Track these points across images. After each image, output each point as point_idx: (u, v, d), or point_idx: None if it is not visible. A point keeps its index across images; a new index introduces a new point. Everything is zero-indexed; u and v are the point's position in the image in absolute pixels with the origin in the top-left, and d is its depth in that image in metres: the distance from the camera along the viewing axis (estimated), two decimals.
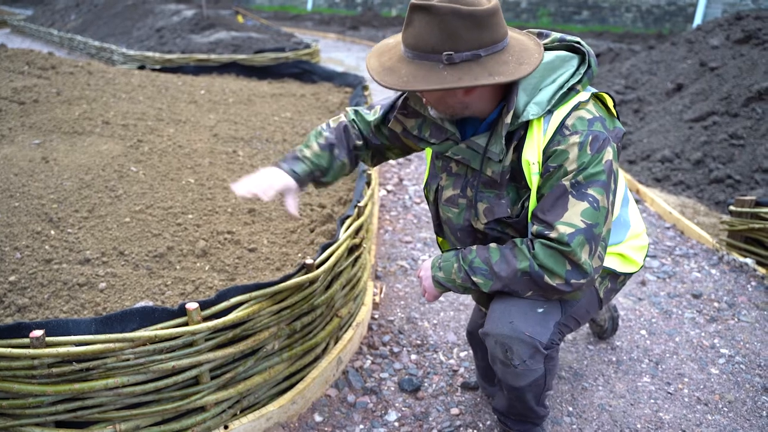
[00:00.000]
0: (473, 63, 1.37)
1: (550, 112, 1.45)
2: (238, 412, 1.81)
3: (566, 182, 1.43)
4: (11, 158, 2.85)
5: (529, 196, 1.51)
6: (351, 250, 2.22)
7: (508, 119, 1.43)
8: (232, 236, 2.44)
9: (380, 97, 5.04)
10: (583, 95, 1.49)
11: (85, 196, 2.55)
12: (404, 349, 2.33)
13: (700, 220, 3.54)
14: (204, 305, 1.65)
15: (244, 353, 1.77)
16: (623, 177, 1.76)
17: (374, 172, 2.93)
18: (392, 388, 2.12)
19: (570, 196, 1.43)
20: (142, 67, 6.27)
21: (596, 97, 1.56)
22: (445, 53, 1.36)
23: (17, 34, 12.45)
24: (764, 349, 2.36)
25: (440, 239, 1.83)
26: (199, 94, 4.76)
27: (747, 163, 3.80)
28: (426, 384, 2.14)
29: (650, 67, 5.78)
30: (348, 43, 11.83)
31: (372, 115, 1.79)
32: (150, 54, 6.96)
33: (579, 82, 1.47)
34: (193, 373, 1.65)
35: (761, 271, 2.89)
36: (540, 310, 1.54)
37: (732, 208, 3.09)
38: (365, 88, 5.02)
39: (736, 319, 2.57)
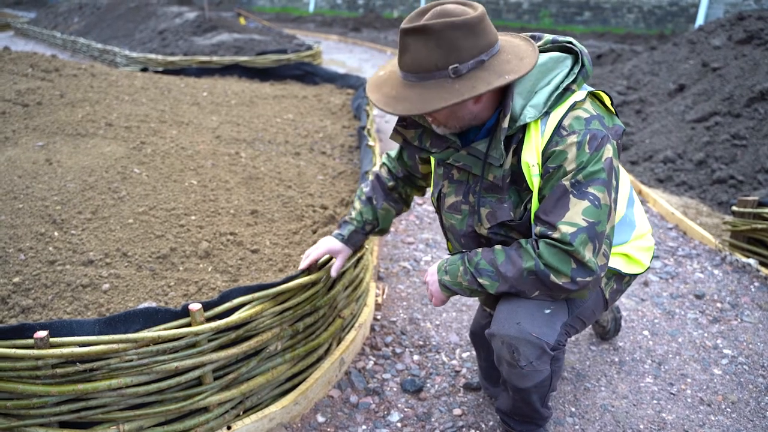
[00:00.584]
0: (479, 70, 1.38)
1: (546, 113, 1.46)
2: (241, 413, 1.81)
3: (566, 182, 1.44)
4: (15, 160, 2.86)
5: (531, 198, 1.51)
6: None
7: (506, 123, 1.44)
8: (234, 237, 2.45)
9: None
10: (579, 94, 1.50)
11: (89, 198, 2.56)
12: (407, 349, 2.33)
13: (702, 220, 3.54)
14: (207, 306, 1.66)
15: (247, 354, 1.77)
16: (628, 177, 1.76)
17: None
18: (395, 389, 2.12)
19: (571, 196, 1.44)
20: (144, 70, 6.29)
21: (593, 96, 1.56)
22: (451, 67, 1.37)
23: (21, 37, 12.50)
24: (767, 349, 2.36)
25: (450, 245, 1.84)
26: (202, 96, 4.77)
27: (749, 164, 3.80)
28: (428, 385, 2.14)
29: (652, 68, 5.78)
30: (350, 44, 11.84)
31: (396, 150, 1.94)
32: (153, 56, 6.98)
33: (574, 81, 1.48)
34: (197, 373, 1.66)
35: (764, 271, 2.89)
36: (547, 311, 1.54)
37: (735, 208, 3.08)
38: None
39: (739, 320, 2.57)
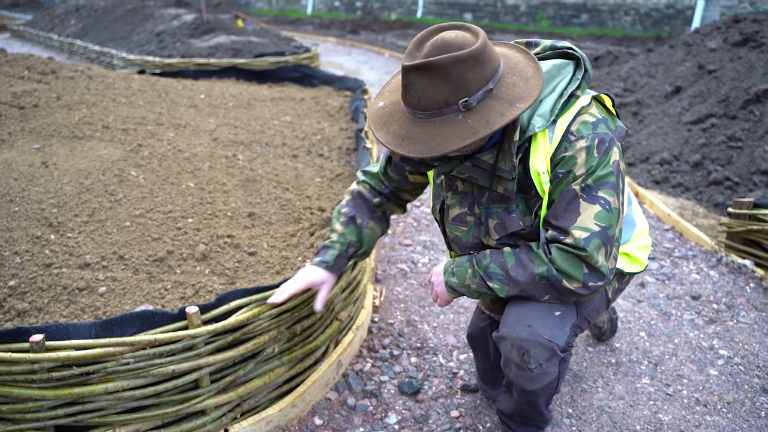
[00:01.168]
0: (489, 99, 1.35)
1: (554, 121, 1.45)
2: (239, 416, 1.81)
3: (576, 187, 1.44)
4: (11, 163, 2.86)
5: (541, 205, 1.51)
6: None
7: (516, 136, 1.42)
8: (231, 240, 2.45)
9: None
10: (584, 99, 1.50)
11: (85, 201, 2.55)
12: (404, 352, 2.33)
13: (698, 222, 3.55)
14: (204, 309, 1.66)
15: (244, 357, 1.77)
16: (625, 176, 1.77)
17: None
18: (392, 391, 2.12)
19: (581, 200, 1.43)
20: (142, 72, 6.28)
21: (596, 99, 1.57)
22: (460, 102, 1.33)
23: (17, 39, 12.48)
24: (763, 350, 2.37)
25: (453, 253, 1.81)
26: (199, 99, 4.77)
27: (745, 165, 3.81)
28: (426, 387, 2.14)
29: (649, 70, 5.80)
30: (348, 47, 11.85)
31: (376, 166, 1.85)
32: (150, 58, 6.98)
33: (578, 87, 1.48)
34: (193, 376, 1.66)
35: (759, 272, 2.90)
36: (557, 313, 1.54)
37: (730, 210, 3.09)
38: (365, 91, 5.03)
39: (734, 321, 2.58)
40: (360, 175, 1.89)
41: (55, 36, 10.86)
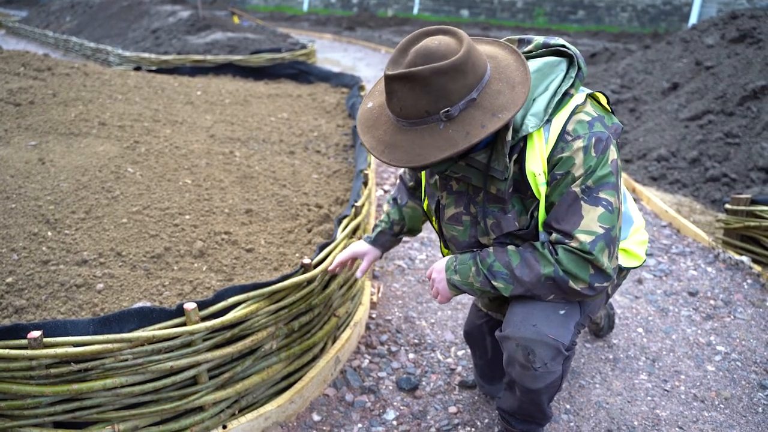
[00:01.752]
0: (471, 108, 1.34)
1: (548, 120, 1.44)
2: (237, 412, 1.81)
3: (576, 188, 1.43)
4: (7, 160, 2.85)
5: (537, 206, 1.50)
6: None
7: (509, 137, 1.41)
8: (229, 236, 2.44)
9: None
10: (579, 97, 1.49)
11: (82, 198, 2.54)
12: (402, 348, 2.34)
13: (696, 218, 3.56)
14: (202, 305, 1.66)
15: (242, 353, 1.77)
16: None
17: (371, 172, 2.94)
18: (390, 387, 2.12)
19: (582, 202, 1.43)
20: (138, 69, 6.26)
21: (591, 97, 1.56)
22: (441, 112, 1.32)
23: (12, 36, 12.42)
24: (760, 346, 2.38)
25: (446, 252, 1.81)
26: (196, 95, 4.76)
27: (742, 162, 3.82)
28: (424, 383, 2.15)
29: (646, 67, 5.80)
30: (344, 43, 11.83)
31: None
32: (146, 55, 6.95)
33: (572, 85, 1.46)
34: (192, 373, 1.66)
35: (757, 268, 2.91)
36: (561, 312, 1.53)
37: (727, 206, 3.10)
38: (362, 88, 5.03)
39: (732, 317, 2.58)
40: None
41: (51, 33, 10.80)
